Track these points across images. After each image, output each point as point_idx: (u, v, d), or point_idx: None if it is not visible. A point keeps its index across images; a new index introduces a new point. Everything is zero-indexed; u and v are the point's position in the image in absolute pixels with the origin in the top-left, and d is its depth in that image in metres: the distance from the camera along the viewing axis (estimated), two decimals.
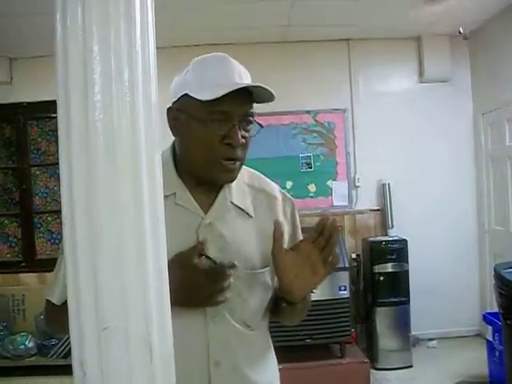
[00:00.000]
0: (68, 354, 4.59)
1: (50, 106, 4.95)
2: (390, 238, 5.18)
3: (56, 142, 5.37)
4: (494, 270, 3.39)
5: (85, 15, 0.64)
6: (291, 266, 1.30)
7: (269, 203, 1.46)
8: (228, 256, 1.32)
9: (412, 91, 5.66)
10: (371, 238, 5.23)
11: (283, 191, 1.54)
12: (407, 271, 4.99)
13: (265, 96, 1.31)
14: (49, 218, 5.47)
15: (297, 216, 1.53)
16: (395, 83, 5.69)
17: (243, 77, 1.33)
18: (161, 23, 0.71)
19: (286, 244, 1.42)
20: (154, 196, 0.68)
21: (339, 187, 5.52)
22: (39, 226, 5.47)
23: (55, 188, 5.39)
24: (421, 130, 5.56)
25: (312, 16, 4.81)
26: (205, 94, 1.26)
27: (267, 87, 1.28)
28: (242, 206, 1.41)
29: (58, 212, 5.37)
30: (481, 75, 5.49)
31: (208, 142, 1.29)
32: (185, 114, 1.33)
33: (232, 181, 1.38)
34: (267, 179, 1.54)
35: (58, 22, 0.65)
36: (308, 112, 5.46)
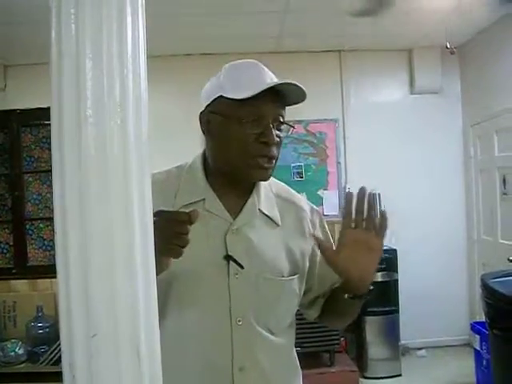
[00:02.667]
0: (58, 361, 4.57)
1: (44, 113, 4.94)
2: None
3: (49, 149, 5.37)
4: (481, 279, 3.42)
5: (78, 32, 0.66)
6: (349, 262, 1.30)
7: (296, 214, 1.48)
8: (255, 261, 1.34)
9: (403, 102, 5.72)
10: None
11: (309, 203, 1.56)
12: (397, 280, 5.02)
13: (294, 97, 1.35)
14: (41, 225, 5.46)
15: (325, 225, 1.55)
16: (386, 94, 5.75)
17: (274, 80, 1.36)
18: (153, 32, 0.74)
19: (318, 256, 1.46)
20: (144, 207, 0.70)
21: (330, 197, 5.55)
22: (31, 232, 5.46)
23: (48, 195, 5.39)
24: (411, 140, 5.60)
25: (304, 27, 4.85)
26: (241, 93, 1.29)
27: (300, 85, 1.31)
28: (269, 214, 1.42)
29: (50, 219, 5.35)
30: (470, 87, 5.54)
31: (244, 141, 1.32)
32: (220, 116, 1.35)
33: (266, 179, 1.41)
34: (293, 190, 1.56)
35: (53, 39, 0.68)
36: (299, 122, 5.49)
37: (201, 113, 1.40)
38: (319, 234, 1.50)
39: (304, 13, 4.50)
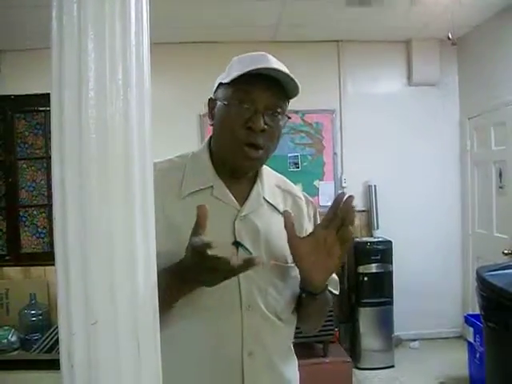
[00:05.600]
0: (51, 349, 4.57)
1: (38, 99, 4.96)
2: (375, 239, 5.22)
3: (43, 135, 5.34)
4: (477, 272, 3.42)
5: (80, 13, 0.64)
6: (308, 253, 1.30)
7: (295, 204, 1.52)
8: (262, 248, 1.36)
9: (400, 94, 5.70)
10: (356, 239, 5.25)
11: (305, 194, 1.59)
12: (391, 272, 5.03)
13: (292, 90, 1.35)
14: (34, 212, 5.43)
15: (318, 217, 1.56)
16: (384, 85, 5.73)
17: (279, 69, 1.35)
18: (151, 20, 0.72)
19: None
20: (145, 192, 0.68)
21: (326, 187, 5.54)
22: (24, 219, 5.43)
23: (42, 182, 5.36)
24: (408, 132, 5.60)
25: (303, 16, 4.82)
26: (230, 77, 1.32)
27: (292, 75, 1.30)
28: (273, 203, 1.45)
29: (44, 206, 5.34)
30: (468, 80, 5.54)
31: (231, 124, 1.33)
32: (216, 101, 1.39)
33: (252, 169, 1.43)
34: (290, 182, 1.59)
35: (54, 19, 0.66)
36: (296, 112, 5.46)
37: (208, 100, 1.45)
38: (311, 225, 1.52)
39: (302, 2, 4.47)
